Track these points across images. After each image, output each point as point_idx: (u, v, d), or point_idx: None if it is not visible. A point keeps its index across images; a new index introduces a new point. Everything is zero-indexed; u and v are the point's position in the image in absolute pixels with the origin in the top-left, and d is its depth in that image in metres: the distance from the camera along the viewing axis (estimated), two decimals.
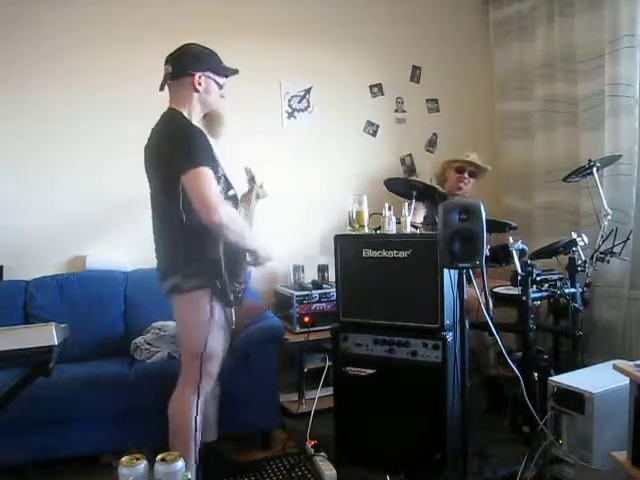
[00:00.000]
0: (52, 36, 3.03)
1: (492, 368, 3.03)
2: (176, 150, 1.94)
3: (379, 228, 2.49)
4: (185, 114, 2.06)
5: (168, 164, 1.96)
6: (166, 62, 2.08)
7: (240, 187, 2.35)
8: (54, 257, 3.10)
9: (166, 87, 2.09)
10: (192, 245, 2.00)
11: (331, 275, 3.18)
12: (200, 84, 2.05)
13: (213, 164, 2.02)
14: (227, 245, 2.01)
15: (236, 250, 2.07)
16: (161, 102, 2.10)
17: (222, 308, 2.08)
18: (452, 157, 3.44)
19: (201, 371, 2.04)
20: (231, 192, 2.20)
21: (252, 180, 2.46)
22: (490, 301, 2.80)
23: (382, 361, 2.36)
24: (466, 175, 3.34)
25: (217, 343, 2.10)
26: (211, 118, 2.17)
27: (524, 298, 2.46)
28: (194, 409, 2.06)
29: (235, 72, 2.18)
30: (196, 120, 2.10)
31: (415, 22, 3.77)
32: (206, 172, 1.92)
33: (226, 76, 2.16)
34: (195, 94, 2.07)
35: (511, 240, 2.50)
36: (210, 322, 2.02)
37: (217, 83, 2.12)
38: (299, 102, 3.57)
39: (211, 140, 2.12)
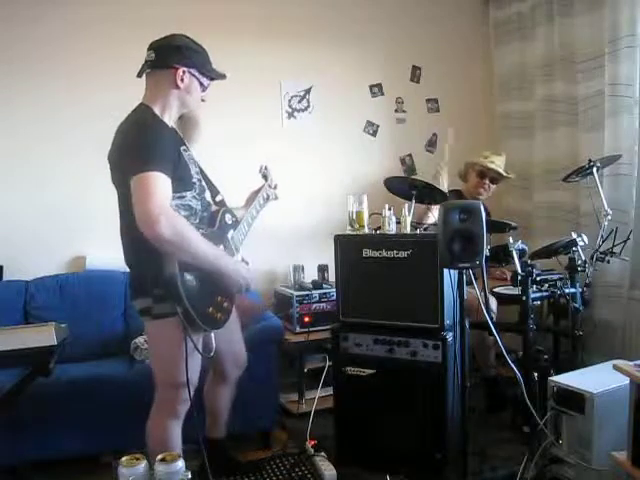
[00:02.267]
0: (51, 35, 3.03)
1: (492, 368, 3.03)
2: (128, 149, 1.74)
3: (379, 228, 2.49)
4: (157, 111, 1.85)
5: (122, 165, 1.75)
6: (149, 48, 1.87)
7: (241, 189, 2.34)
8: (54, 257, 3.10)
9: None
10: (160, 263, 1.73)
11: (331, 275, 3.18)
12: (182, 80, 1.84)
13: (178, 169, 1.80)
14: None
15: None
16: None
17: (196, 335, 1.86)
18: (475, 158, 3.33)
19: (176, 399, 1.92)
20: (218, 197, 2.07)
21: (264, 178, 2.32)
22: (494, 301, 2.80)
23: (382, 361, 2.35)
24: (487, 181, 3.24)
25: (191, 371, 1.86)
26: (187, 121, 2.01)
27: (524, 298, 2.46)
28: (171, 434, 1.96)
29: (222, 77, 1.98)
30: (169, 119, 1.89)
31: (415, 22, 3.77)
32: (156, 177, 1.67)
33: (212, 79, 1.96)
34: (174, 90, 1.86)
35: (511, 240, 2.50)
36: (184, 352, 1.80)
37: (201, 84, 1.92)
38: (299, 102, 3.57)
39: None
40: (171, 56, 1.85)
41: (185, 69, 1.86)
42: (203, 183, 2.00)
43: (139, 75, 1.90)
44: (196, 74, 1.89)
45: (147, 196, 1.65)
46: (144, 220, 1.64)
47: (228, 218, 2.05)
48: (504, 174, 3.24)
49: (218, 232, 1.98)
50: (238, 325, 2.29)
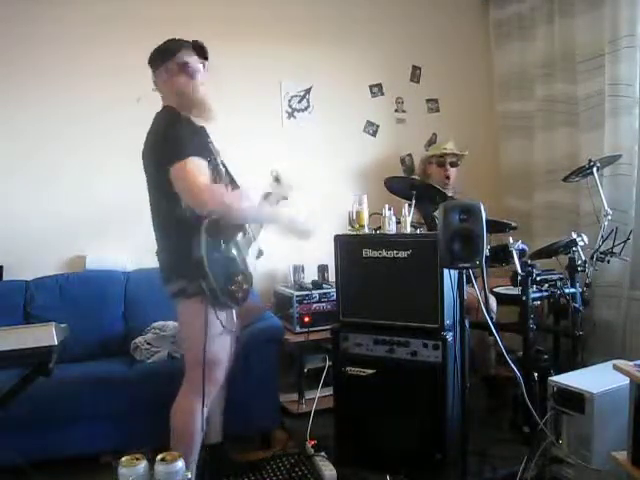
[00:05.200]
0: (51, 36, 3.03)
1: (492, 368, 3.03)
2: (164, 144, 1.94)
3: (379, 228, 2.49)
4: (176, 107, 2.05)
5: (159, 160, 1.94)
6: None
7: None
8: (54, 257, 3.10)
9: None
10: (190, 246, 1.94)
11: (331, 275, 3.18)
12: (174, 73, 2.03)
13: (207, 155, 2.01)
14: (215, 243, 1.96)
15: (226, 248, 2.02)
16: (159, 103, 2.09)
17: (225, 312, 2.03)
18: (430, 152, 3.49)
19: (204, 378, 2.01)
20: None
21: (277, 181, 2.42)
22: (493, 300, 2.80)
23: (382, 361, 2.35)
24: (447, 166, 3.37)
25: (221, 349, 2.07)
26: (195, 104, 2.07)
27: (524, 298, 2.46)
28: (197, 415, 2.04)
29: (195, 43, 2.06)
30: (186, 110, 2.06)
31: (415, 22, 3.77)
32: (195, 161, 1.90)
33: (183, 52, 2.05)
34: (175, 84, 2.04)
35: (511, 240, 2.50)
36: (212, 327, 1.97)
37: (183, 65, 2.03)
38: (299, 102, 3.57)
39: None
40: (155, 63, 2.07)
41: (165, 65, 2.03)
42: (224, 174, 2.15)
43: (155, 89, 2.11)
44: (181, 60, 2.04)
45: (191, 176, 1.86)
46: (193, 194, 1.86)
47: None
48: (459, 152, 3.40)
49: None
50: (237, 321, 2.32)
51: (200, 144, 2.01)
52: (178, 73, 2.04)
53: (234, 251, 2.09)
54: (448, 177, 3.36)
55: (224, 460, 2.40)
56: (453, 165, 3.39)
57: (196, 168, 1.89)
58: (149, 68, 2.09)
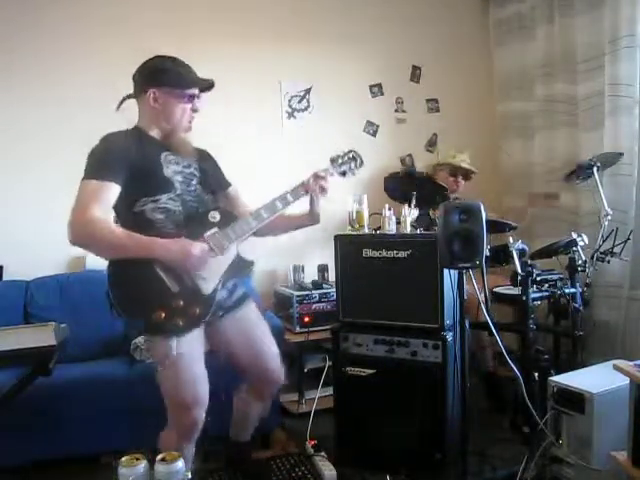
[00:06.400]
0: (53, 36, 3.03)
1: (490, 368, 3.03)
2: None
3: (379, 228, 2.49)
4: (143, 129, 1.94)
5: None
6: (132, 78, 1.96)
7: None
8: (54, 257, 3.09)
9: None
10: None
11: (331, 275, 3.17)
12: (156, 100, 1.89)
13: (146, 175, 1.85)
14: (127, 267, 1.85)
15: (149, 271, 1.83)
16: None
17: (188, 342, 1.84)
18: (443, 159, 3.50)
19: (182, 420, 1.90)
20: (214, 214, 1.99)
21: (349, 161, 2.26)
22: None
23: (382, 361, 2.35)
24: (460, 179, 3.43)
25: (186, 387, 1.87)
26: (174, 138, 1.96)
27: (524, 298, 2.46)
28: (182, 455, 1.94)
29: (203, 83, 1.95)
30: (155, 134, 1.95)
31: (415, 22, 3.77)
32: (90, 186, 1.75)
33: (195, 88, 1.94)
34: (152, 111, 1.90)
35: (511, 240, 2.50)
36: (181, 368, 1.83)
37: (181, 97, 1.91)
38: (299, 102, 3.57)
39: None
40: (142, 82, 1.92)
41: (156, 90, 1.89)
42: (194, 183, 1.98)
43: (117, 108, 1.96)
44: (170, 92, 1.90)
45: (76, 202, 1.77)
46: (69, 219, 1.77)
47: (212, 216, 1.93)
48: (474, 169, 3.44)
49: (194, 231, 1.88)
50: (266, 337, 2.22)
51: (124, 164, 1.81)
52: (170, 104, 1.93)
53: (162, 275, 1.84)
54: (457, 187, 3.40)
55: (247, 459, 2.37)
56: (466, 178, 3.44)
57: (89, 193, 1.76)
58: (133, 81, 1.99)
